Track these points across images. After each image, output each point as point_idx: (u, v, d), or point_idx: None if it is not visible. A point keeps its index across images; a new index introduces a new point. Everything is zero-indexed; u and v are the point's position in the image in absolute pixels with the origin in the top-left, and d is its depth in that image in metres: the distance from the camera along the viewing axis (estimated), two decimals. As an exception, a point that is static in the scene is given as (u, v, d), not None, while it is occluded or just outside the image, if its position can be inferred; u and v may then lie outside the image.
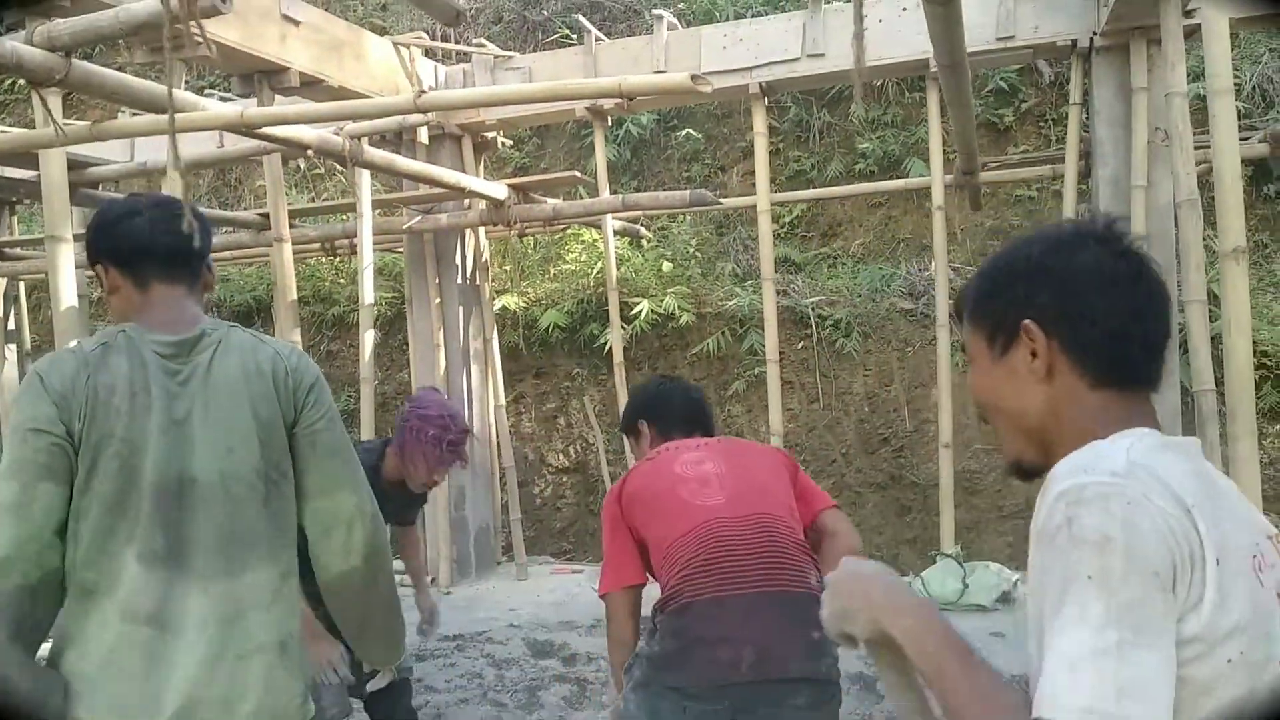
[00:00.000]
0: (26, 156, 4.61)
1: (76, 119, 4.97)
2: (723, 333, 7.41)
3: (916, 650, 0.95)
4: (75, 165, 4.35)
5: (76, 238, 3.84)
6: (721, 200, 6.12)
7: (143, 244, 1.66)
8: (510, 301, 7.70)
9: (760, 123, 4.86)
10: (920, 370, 7.24)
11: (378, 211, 5.58)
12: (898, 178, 7.18)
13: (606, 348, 7.24)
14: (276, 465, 1.67)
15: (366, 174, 4.93)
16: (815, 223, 8.21)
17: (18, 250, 6.49)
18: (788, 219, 8.05)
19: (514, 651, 4.39)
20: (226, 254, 6.73)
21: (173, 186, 3.98)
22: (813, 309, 7.33)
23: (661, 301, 7.36)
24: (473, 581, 5.91)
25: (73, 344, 1.64)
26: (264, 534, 1.64)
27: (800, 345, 7.36)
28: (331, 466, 1.73)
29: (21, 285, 7.19)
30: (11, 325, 7.39)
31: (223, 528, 1.59)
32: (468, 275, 6.06)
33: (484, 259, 6.17)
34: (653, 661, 1.88)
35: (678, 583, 1.90)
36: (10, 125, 7.05)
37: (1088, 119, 5.35)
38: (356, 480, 1.76)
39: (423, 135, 5.63)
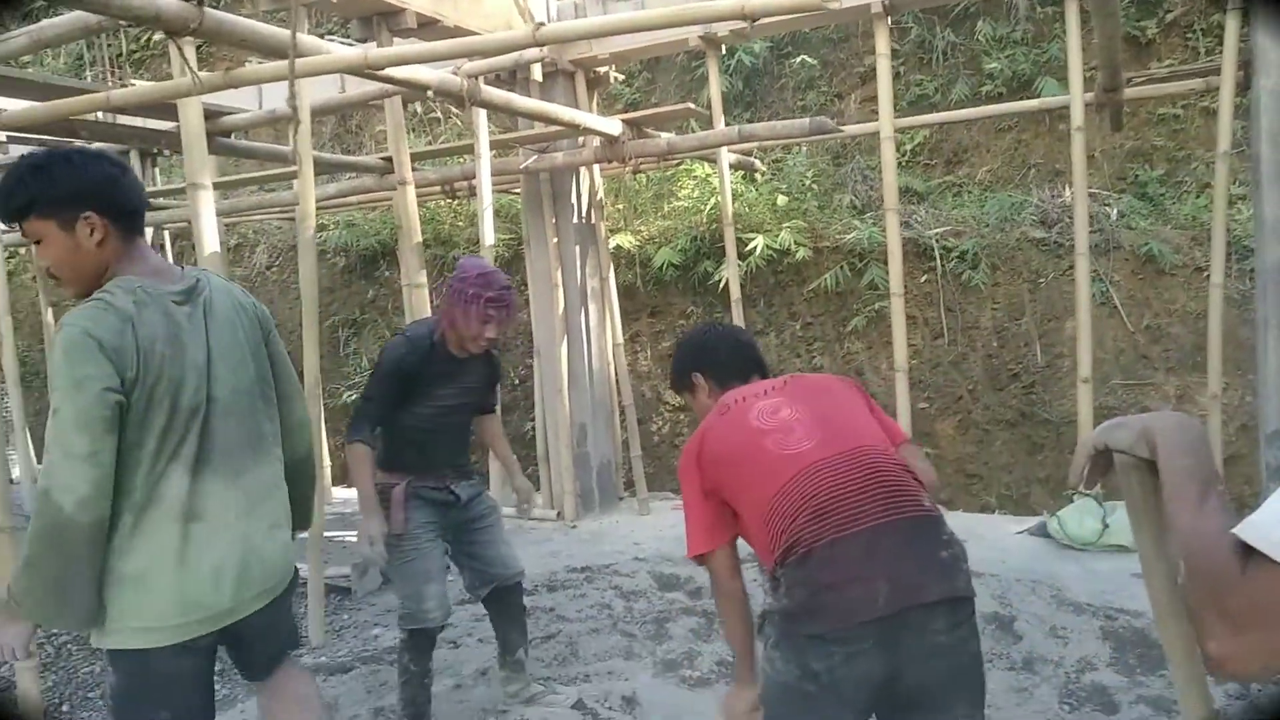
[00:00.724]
0: (165, 108, 4.80)
1: (205, 71, 5.14)
2: (841, 267, 7.22)
3: (1167, 462, 1.00)
4: (209, 115, 4.50)
5: (216, 185, 4.00)
6: (842, 128, 5.88)
7: (136, 201, 1.95)
8: (624, 240, 7.68)
9: (883, 43, 4.62)
10: (1053, 302, 6.90)
11: (494, 152, 5.61)
12: (1028, 99, 6.76)
13: (721, 285, 7.15)
14: (265, 380, 2.11)
15: (484, 114, 4.94)
16: (938, 150, 7.86)
17: (161, 200, 6.82)
18: (909, 146, 7.73)
19: (640, 584, 4.45)
20: (353, 199, 6.91)
21: (302, 132, 4.07)
22: (937, 240, 7.05)
23: (777, 236, 7.20)
24: (596, 516, 6.01)
25: (100, 302, 1.83)
26: (268, 434, 2.09)
27: (924, 279, 7.11)
28: (291, 379, 2.23)
29: (166, 233, 7.58)
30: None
31: (239, 434, 2.00)
32: (583, 214, 6.05)
33: (599, 197, 6.14)
34: (784, 615, 1.82)
35: (792, 535, 1.83)
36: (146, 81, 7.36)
37: (1246, 26, 4.88)
38: (301, 391, 2.30)
39: (536, 73, 5.60)
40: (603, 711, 3.18)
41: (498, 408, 3.41)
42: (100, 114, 4.98)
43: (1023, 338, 6.94)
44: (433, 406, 2.95)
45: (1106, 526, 4.50)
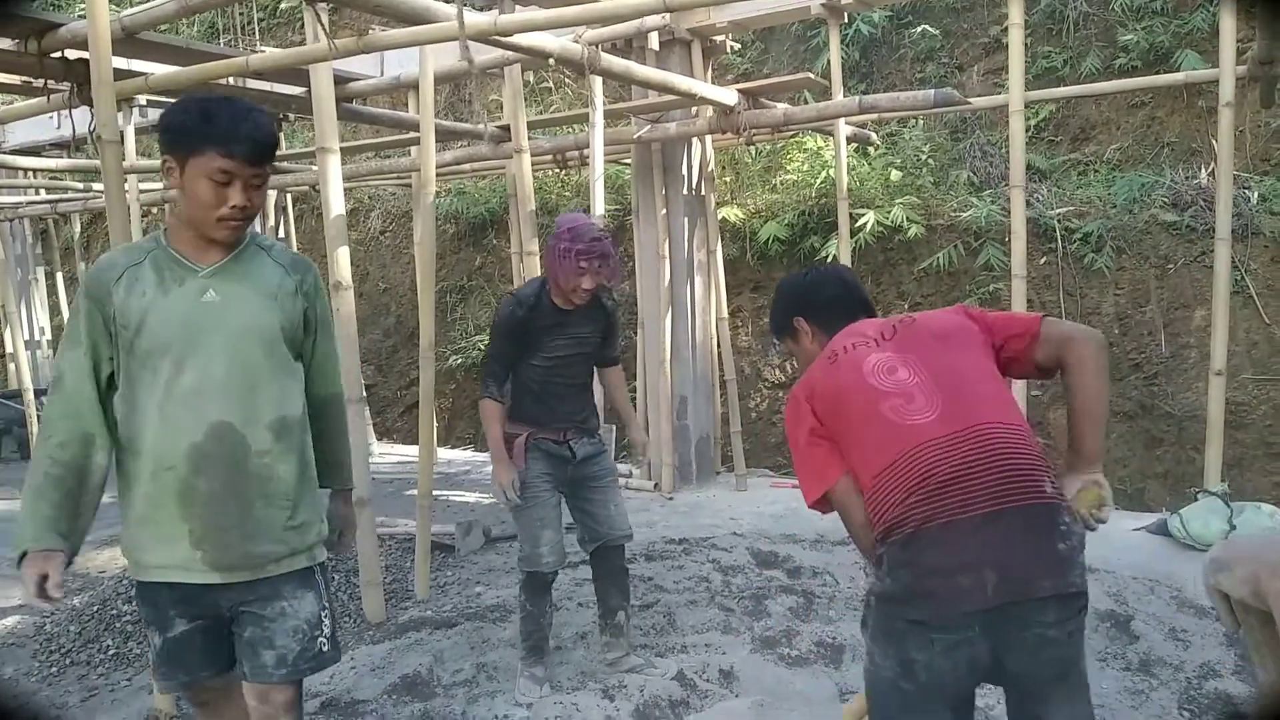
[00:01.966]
0: (293, 74, 4.96)
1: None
2: (955, 246, 7.00)
3: None
4: (337, 81, 4.62)
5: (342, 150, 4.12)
6: (969, 100, 5.67)
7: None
8: (730, 213, 7.61)
9: (1017, 11, 4.42)
10: (1182, 290, 6.55)
11: (606, 122, 5.61)
12: (1164, 73, 6.39)
13: (828, 261, 7.02)
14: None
15: (600, 83, 4.94)
16: (1065, 126, 7.52)
17: (285, 164, 7.07)
18: (1033, 122, 7.41)
19: (739, 559, 4.45)
20: (466, 166, 7.03)
21: (425, 98, 4.16)
22: (1059, 221, 6.76)
23: (888, 212, 7.03)
24: (693, 489, 6.02)
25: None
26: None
27: (1043, 260, 6.84)
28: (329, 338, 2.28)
29: (289, 197, 7.86)
30: (281, 234, 8.14)
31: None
32: (693, 186, 6.01)
33: (710, 169, 6.09)
34: (885, 599, 1.77)
35: (899, 514, 1.75)
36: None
37: None
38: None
39: (653, 42, 5.57)
40: (700, 683, 3.20)
41: (619, 359, 3.47)
42: (232, 79, 5.18)
43: (1147, 326, 6.62)
44: (548, 358, 3.10)
45: (1233, 528, 4.27)
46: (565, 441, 3.17)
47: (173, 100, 5.96)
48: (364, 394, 6.94)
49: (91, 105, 3.46)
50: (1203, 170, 6.73)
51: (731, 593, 4.03)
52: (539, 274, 4.76)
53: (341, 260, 3.91)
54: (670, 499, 5.82)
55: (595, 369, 3.36)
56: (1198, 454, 5.91)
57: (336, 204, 3.92)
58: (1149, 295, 6.64)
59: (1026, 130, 7.28)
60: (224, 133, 1.88)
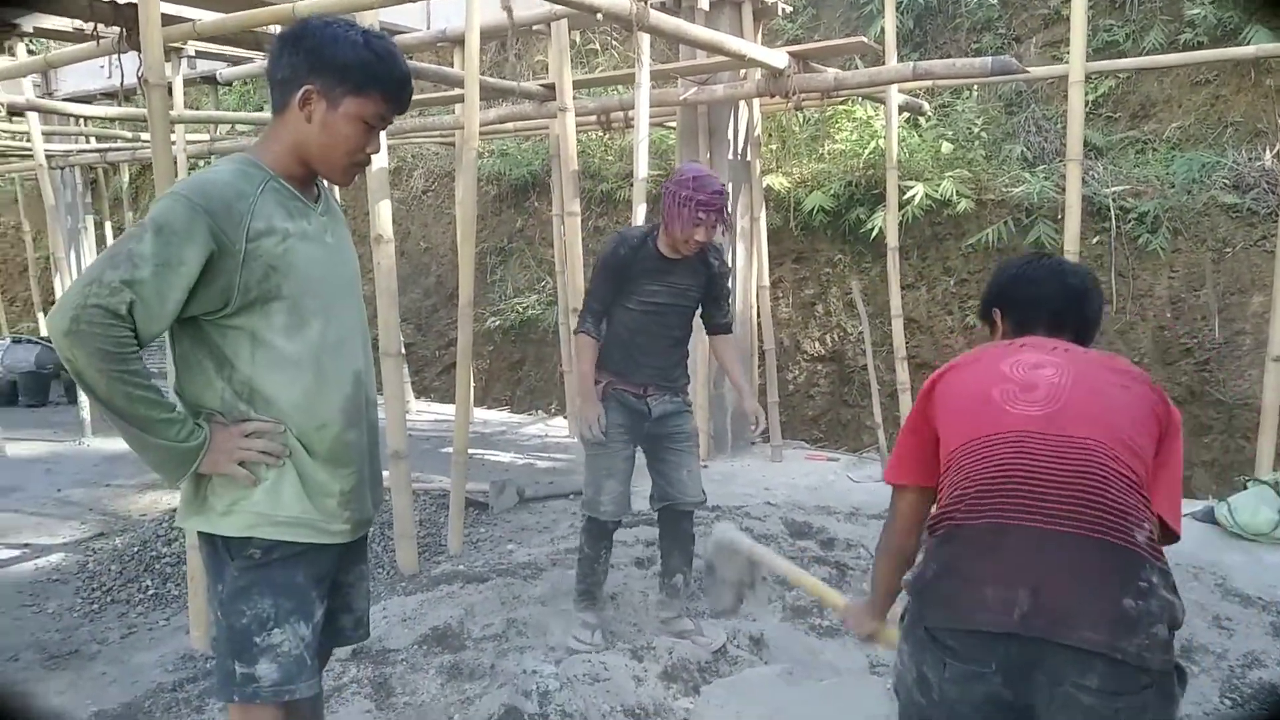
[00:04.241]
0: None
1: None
2: (1005, 222, 6.83)
3: None
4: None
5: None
6: (1028, 69, 5.51)
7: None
8: (775, 182, 7.49)
9: (1081, -21, 4.28)
10: (1239, 274, 6.35)
11: (652, 84, 5.53)
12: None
13: (873, 234, 6.91)
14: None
15: (647, 41, 4.87)
16: (1124, 102, 7.29)
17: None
18: (1091, 97, 7.18)
19: (771, 529, 4.42)
20: (510, 125, 6.98)
21: (469, 52, 4.11)
22: (1114, 200, 6.57)
23: (938, 186, 6.87)
24: (728, 458, 5.99)
25: None
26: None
27: (1095, 240, 6.66)
28: None
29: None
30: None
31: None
32: (739, 150, 5.92)
33: (756, 134, 5.99)
34: (916, 592, 1.57)
35: (954, 499, 1.57)
36: None
37: None
38: None
39: (703, 2, 5.47)
40: (730, 649, 3.19)
41: (730, 326, 3.45)
42: (277, 28, 5.18)
43: (1200, 310, 6.43)
44: (644, 303, 3.10)
45: (1284, 518, 4.17)
46: (644, 396, 3.16)
47: (215, 51, 5.98)
48: (402, 350, 6.97)
49: (140, 50, 3.46)
50: (1267, 152, 6.50)
51: (763, 561, 4.00)
52: (579, 241, 4.76)
53: (383, 214, 3.91)
54: (705, 466, 5.78)
55: (706, 335, 3.36)
56: (1247, 442, 5.76)
57: (379, 157, 3.90)
58: (1204, 279, 6.45)
59: (1085, 105, 7.09)
60: (397, 79, 1.75)
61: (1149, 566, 1.46)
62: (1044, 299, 1.83)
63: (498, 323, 9.11)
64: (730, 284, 5.99)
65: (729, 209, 3.02)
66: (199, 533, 1.79)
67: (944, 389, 1.74)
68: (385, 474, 3.44)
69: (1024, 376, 1.65)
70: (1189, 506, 4.76)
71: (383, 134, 1.92)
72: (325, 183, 1.91)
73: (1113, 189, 6.60)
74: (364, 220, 3.79)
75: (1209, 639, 3.22)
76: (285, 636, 1.72)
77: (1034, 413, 1.59)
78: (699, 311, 3.28)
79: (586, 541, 3.26)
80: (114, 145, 8.78)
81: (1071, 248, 4.52)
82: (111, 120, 7.84)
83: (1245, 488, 4.42)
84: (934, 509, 1.66)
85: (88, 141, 9.41)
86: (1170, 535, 1.63)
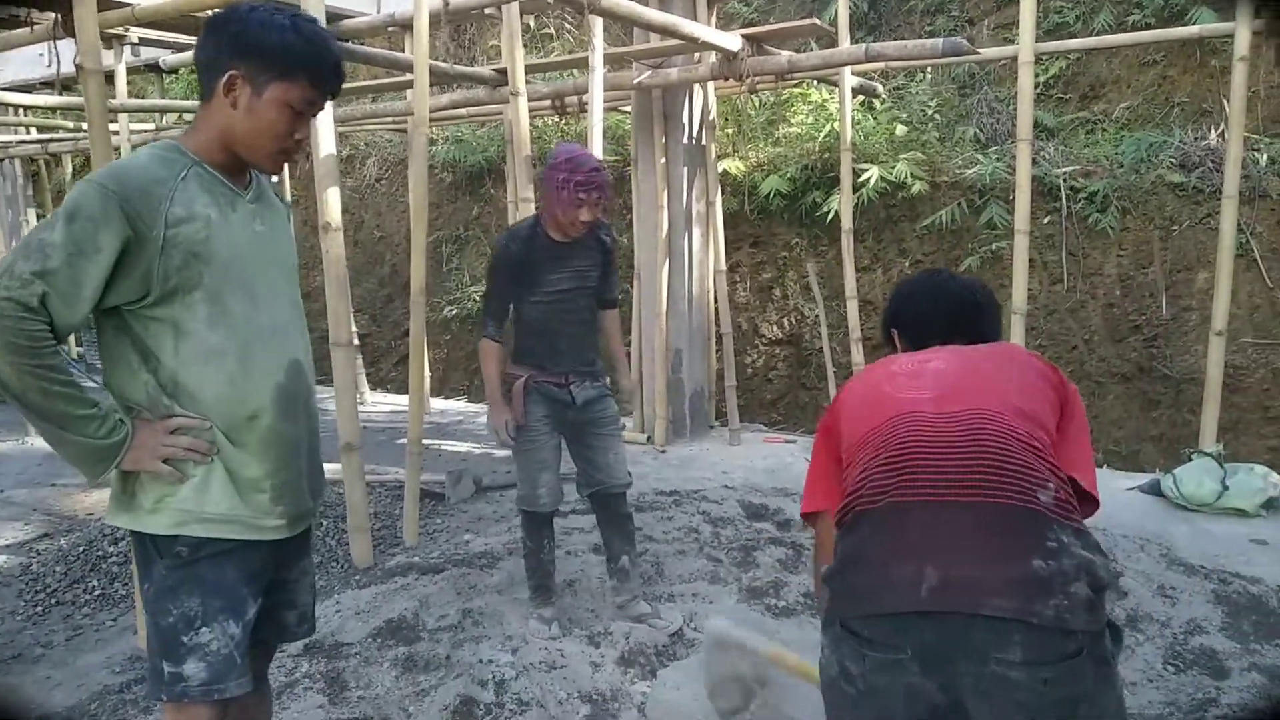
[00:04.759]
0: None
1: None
2: (959, 204, 6.90)
3: None
4: (330, 18, 4.51)
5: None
6: (979, 50, 5.55)
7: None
8: (731, 166, 7.49)
9: (1029, -39, 4.31)
10: (1186, 252, 6.47)
11: (606, 68, 5.49)
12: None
13: (828, 217, 6.93)
14: None
15: (600, 25, 4.82)
16: (1074, 84, 7.37)
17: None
18: (1042, 79, 7.26)
19: (729, 511, 4.44)
20: (464, 110, 6.90)
21: (419, 35, 4.05)
22: (1064, 180, 6.66)
23: (893, 168, 6.91)
24: (686, 443, 6.00)
25: None
26: None
27: (1046, 220, 6.74)
28: None
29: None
30: (274, 178, 8.02)
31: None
32: (694, 134, 5.91)
33: (711, 117, 5.98)
34: (832, 590, 1.52)
35: (855, 489, 1.54)
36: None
37: None
38: None
39: (655, -15, 5.43)
40: (687, 631, 3.19)
41: (617, 302, 3.44)
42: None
43: (1148, 288, 6.55)
44: (549, 293, 3.08)
45: (1226, 489, 4.27)
46: (566, 385, 3.16)
47: (164, 36, 5.84)
48: (354, 339, 6.88)
49: (75, 36, 3.36)
50: (1212, 131, 6.61)
51: (720, 544, 4.02)
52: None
53: (331, 201, 3.84)
54: (663, 452, 5.80)
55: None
56: (1194, 416, 5.88)
57: (327, 143, 3.83)
58: (1152, 257, 6.56)
59: (1035, 87, 7.13)
60: (325, 64, 1.72)
61: (1058, 526, 1.41)
62: (935, 316, 1.86)
63: (454, 311, 9.03)
64: (687, 268, 6.00)
65: (609, 185, 3.00)
66: (129, 530, 1.75)
67: (841, 404, 1.77)
68: (335, 466, 3.40)
69: (912, 369, 1.70)
70: (1137, 480, 4.86)
71: (325, 120, 1.88)
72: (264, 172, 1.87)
73: (1063, 169, 6.68)
74: (316, 209, 3.73)
75: (1154, 608, 3.29)
76: (214, 635, 1.67)
77: (924, 395, 1.60)
78: None
79: (528, 535, 3.26)
80: (56, 136, 8.55)
81: (1022, 227, 4.57)
82: (53, 110, 7.62)
83: (1190, 460, 4.51)
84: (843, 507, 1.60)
85: (28, 132, 9.15)
86: (1090, 502, 1.61)
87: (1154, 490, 4.59)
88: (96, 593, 3.84)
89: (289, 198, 1.91)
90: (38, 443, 6.71)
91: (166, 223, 1.60)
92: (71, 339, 7.33)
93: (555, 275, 3.08)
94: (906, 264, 7.17)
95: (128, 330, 1.66)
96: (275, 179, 2.08)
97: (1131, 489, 4.66)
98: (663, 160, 5.78)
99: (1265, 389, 6.22)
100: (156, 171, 1.63)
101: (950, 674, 1.36)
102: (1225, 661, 2.91)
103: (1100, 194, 6.58)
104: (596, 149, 4.96)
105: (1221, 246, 4.42)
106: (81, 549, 4.15)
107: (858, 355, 6.02)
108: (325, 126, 3.78)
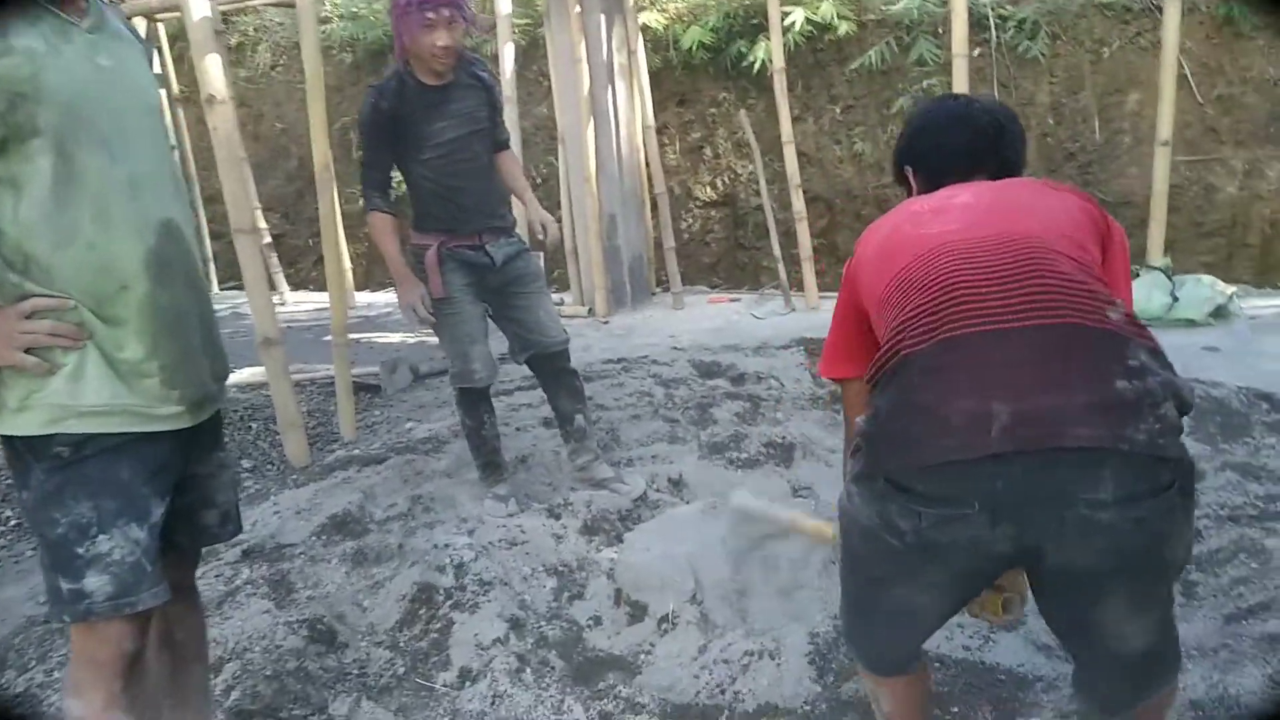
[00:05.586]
0: None
1: None
2: (887, 42, 6.62)
3: None
4: None
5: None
6: None
7: None
8: (650, 19, 7.06)
9: None
10: (1116, 74, 6.34)
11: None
12: None
13: (755, 66, 6.62)
14: None
15: None
16: (997, -95, 7.04)
17: None
18: (965, -99, 6.91)
19: (680, 372, 4.29)
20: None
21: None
22: (992, 9, 6.41)
23: (817, 9, 6.58)
24: (629, 311, 5.81)
25: None
26: None
27: (976, 52, 6.51)
28: None
29: (161, 28, 7.06)
30: (157, 70, 7.37)
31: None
32: (608, -18, 5.50)
33: (624, -39, 5.56)
34: (871, 442, 1.30)
35: (893, 334, 1.33)
36: None
37: None
38: None
39: None
40: (650, 493, 3.07)
41: (508, 142, 3.14)
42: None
43: (1081, 113, 6.43)
44: (436, 146, 2.79)
45: (1176, 300, 4.26)
46: (481, 246, 2.89)
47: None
48: (267, 237, 6.46)
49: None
50: (1142, -60, 6.39)
51: (675, 404, 3.88)
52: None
53: (211, 69, 3.43)
54: (605, 323, 5.61)
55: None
56: (1131, 238, 5.86)
57: (200, 4, 3.41)
58: (1084, 81, 6.42)
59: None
60: None
61: (1135, 344, 1.23)
62: (953, 146, 1.64)
63: (372, 202, 8.56)
64: (614, 127, 5.68)
65: (464, 2, 2.67)
66: None
67: (860, 257, 1.57)
68: (259, 370, 3.09)
69: (936, 205, 1.49)
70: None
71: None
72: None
73: (991, -3, 6.43)
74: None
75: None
76: (115, 543, 1.44)
77: (952, 228, 1.41)
78: None
79: (466, 414, 3.05)
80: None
81: (960, 49, 4.36)
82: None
83: (1138, 275, 4.47)
84: (878, 357, 1.38)
85: None
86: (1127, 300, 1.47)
87: (1102, 311, 4.56)
88: (13, 523, 3.56)
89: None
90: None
91: None
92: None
93: (439, 125, 2.77)
94: (838, 110, 6.93)
95: None
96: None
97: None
98: (577, 9, 5.37)
99: (1198, 206, 6.23)
100: None
101: (1024, 523, 1.19)
102: (1198, 464, 2.88)
103: (1029, 21, 6.37)
104: (505, 2, 4.56)
105: (1165, 50, 4.27)
106: (-9, 479, 3.84)
107: (798, 202, 5.83)
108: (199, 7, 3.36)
